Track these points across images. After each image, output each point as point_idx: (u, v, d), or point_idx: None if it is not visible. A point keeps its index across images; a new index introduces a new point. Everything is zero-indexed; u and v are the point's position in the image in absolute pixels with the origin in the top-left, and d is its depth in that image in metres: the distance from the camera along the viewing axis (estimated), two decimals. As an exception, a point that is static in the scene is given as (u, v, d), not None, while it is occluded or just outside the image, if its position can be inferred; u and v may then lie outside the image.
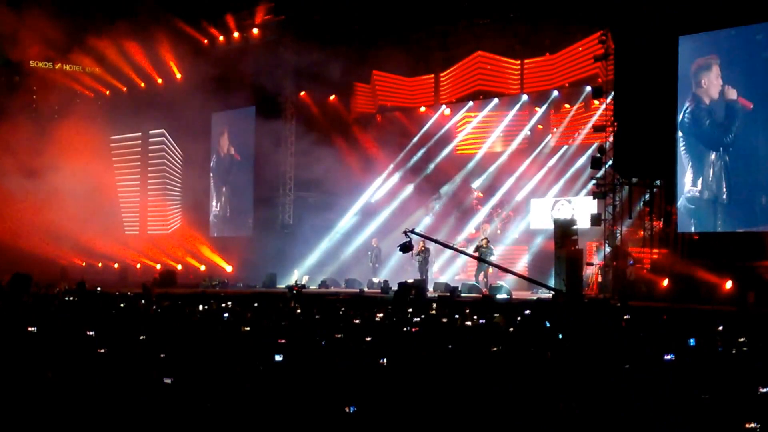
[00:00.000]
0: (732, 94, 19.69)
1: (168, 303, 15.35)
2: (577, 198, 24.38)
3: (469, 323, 12.39)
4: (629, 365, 7.99)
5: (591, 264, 21.72)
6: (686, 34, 20.21)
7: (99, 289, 19.95)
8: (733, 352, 9.16)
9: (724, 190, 19.76)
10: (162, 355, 8.22)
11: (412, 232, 16.47)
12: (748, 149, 19.68)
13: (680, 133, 20.34)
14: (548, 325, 11.79)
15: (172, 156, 34.13)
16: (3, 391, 6.47)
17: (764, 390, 6.53)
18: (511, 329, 11.31)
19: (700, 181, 20.09)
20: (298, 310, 14.37)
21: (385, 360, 7.88)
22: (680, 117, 20.36)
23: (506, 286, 21.43)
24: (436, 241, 21.52)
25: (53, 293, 18.19)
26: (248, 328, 10.40)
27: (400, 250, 16.52)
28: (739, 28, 19.81)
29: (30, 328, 9.49)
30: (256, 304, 15.05)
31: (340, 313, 14.10)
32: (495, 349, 9.16)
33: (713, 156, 20.01)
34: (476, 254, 22.57)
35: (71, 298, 16.75)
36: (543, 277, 21.47)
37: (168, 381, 6.82)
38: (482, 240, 23.57)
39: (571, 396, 6.30)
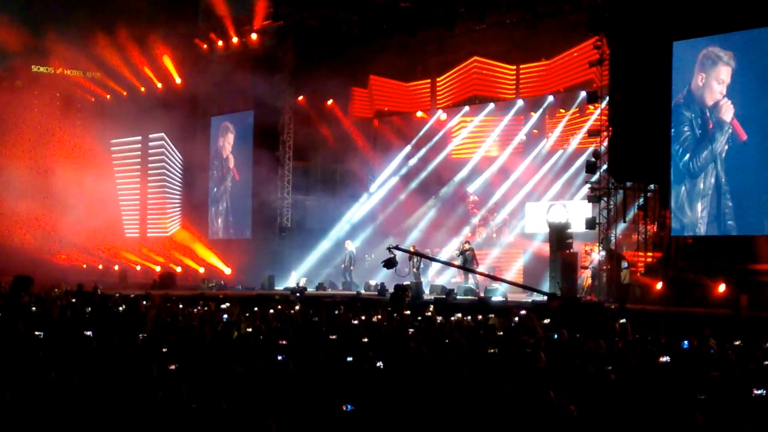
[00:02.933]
0: (727, 112, 18.99)
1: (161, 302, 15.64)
2: (572, 202, 24.52)
3: (466, 321, 12.58)
4: (626, 367, 8.16)
5: (586, 268, 21.89)
6: (680, 40, 20.09)
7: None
8: (728, 354, 9.34)
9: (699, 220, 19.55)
10: (164, 350, 8.40)
11: (396, 248, 16.42)
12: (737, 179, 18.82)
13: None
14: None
15: (171, 159, 34.24)
16: (8, 390, 6.64)
17: (758, 392, 6.67)
18: (501, 333, 11.49)
19: (681, 200, 19.93)
20: (296, 308, 14.57)
21: (381, 363, 8.04)
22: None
23: (501, 289, 21.56)
24: (422, 256, 21.77)
25: (54, 295, 18.38)
26: (250, 329, 10.57)
27: (384, 266, 16.41)
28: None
29: (36, 333, 9.67)
30: (255, 308, 15.27)
31: (336, 313, 14.30)
32: (492, 350, 9.35)
33: (688, 181, 19.76)
34: (459, 261, 22.87)
35: (71, 300, 16.96)
36: (538, 280, 21.64)
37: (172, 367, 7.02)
38: (464, 244, 23.85)
39: (567, 395, 6.45)
